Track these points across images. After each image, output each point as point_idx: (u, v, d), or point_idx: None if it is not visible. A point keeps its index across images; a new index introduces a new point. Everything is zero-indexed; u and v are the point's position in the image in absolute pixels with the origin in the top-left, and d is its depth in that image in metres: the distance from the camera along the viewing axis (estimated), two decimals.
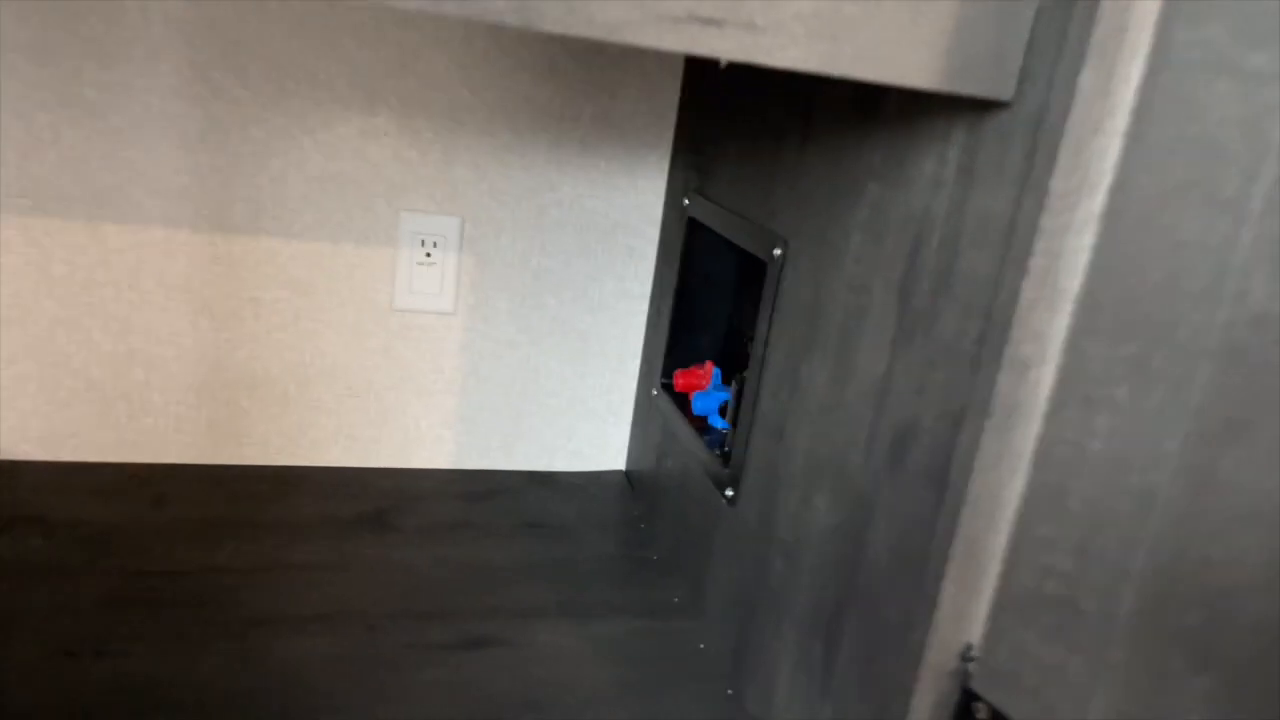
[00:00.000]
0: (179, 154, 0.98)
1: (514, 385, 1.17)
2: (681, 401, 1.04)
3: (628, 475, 1.23)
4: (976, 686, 0.52)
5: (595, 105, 1.08)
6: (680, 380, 1.04)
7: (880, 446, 0.63)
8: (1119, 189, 0.47)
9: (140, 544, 0.92)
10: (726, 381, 1.00)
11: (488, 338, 1.14)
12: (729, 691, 0.83)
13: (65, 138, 0.95)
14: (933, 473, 0.56)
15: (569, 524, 1.10)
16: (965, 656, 0.53)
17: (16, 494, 0.98)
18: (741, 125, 0.90)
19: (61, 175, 0.96)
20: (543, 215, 1.11)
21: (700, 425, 0.98)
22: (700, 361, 1.06)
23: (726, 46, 0.47)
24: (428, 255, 1.09)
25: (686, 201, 1.03)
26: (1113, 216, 0.47)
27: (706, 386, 1.01)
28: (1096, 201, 0.47)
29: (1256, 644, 0.41)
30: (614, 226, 1.14)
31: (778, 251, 0.79)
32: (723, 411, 0.97)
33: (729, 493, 0.86)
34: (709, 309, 1.07)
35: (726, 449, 0.92)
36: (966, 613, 0.52)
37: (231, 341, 1.06)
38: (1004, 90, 0.51)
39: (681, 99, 1.09)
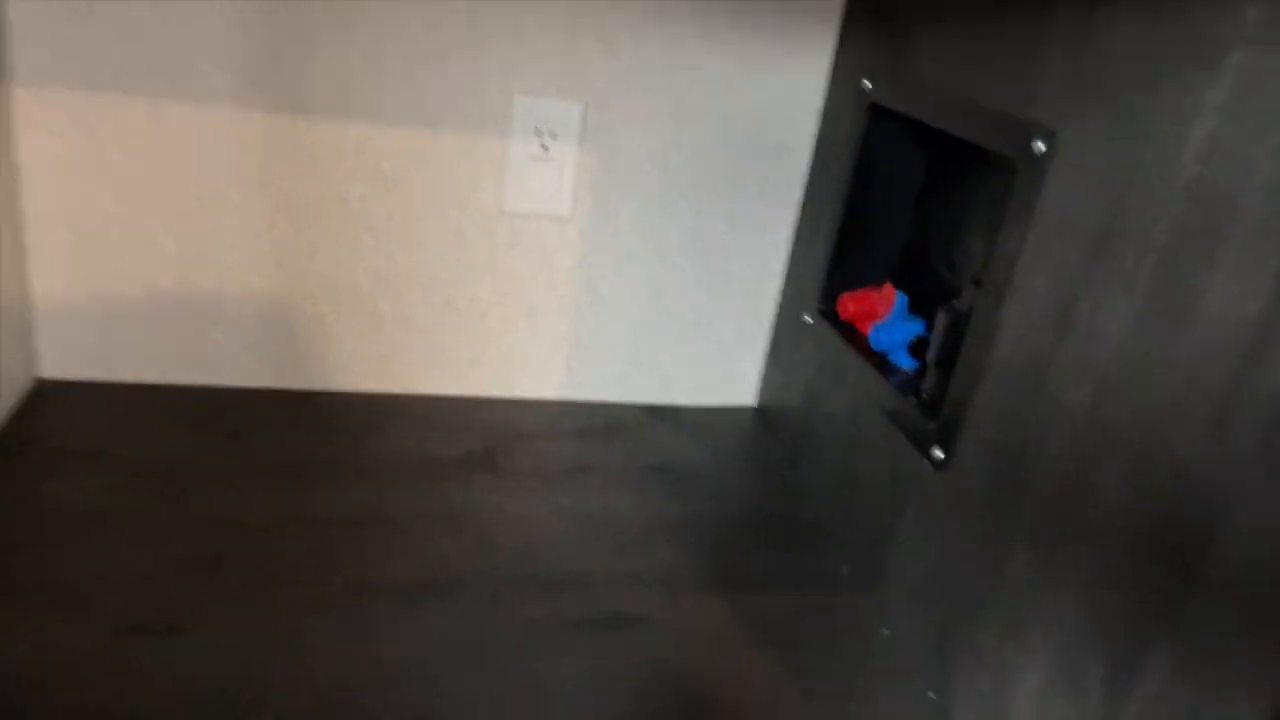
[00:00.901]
0: (253, 17, 0.80)
1: (635, 306, 1.00)
2: (848, 332, 0.87)
3: (760, 413, 1.06)
4: None
5: None
6: (849, 306, 0.86)
7: (1244, 425, 0.45)
8: None
9: (216, 486, 0.78)
10: (915, 311, 0.82)
11: (608, 250, 0.96)
12: (931, 695, 0.68)
13: None
14: None
15: (701, 469, 0.94)
16: None
17: (69, 422, 0.84)
18: None
19: (112, 40, 0.79)
20: (681, 102, 0.92)
21: (877, 363, 0.81)
22: (872, 284, 0.88)
23: None
24: (543, 148, 0.90)
25: (867, 84, 0.83)
26: None
27: (886, 315, 0.83)
28: None
29: None
30: (764, 116, 0.94)
31: (1040, 146, 0.60)
32: (914, 349, 0.79)
33: (937, 454, 0.69)
34: (884, 221, 0.88)
35: (926, 396, 0.74)
36: None
37: (314, 246, 0.90)
38: None
39: None
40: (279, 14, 0.80)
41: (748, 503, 0.89)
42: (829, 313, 0.90)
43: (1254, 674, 0.43)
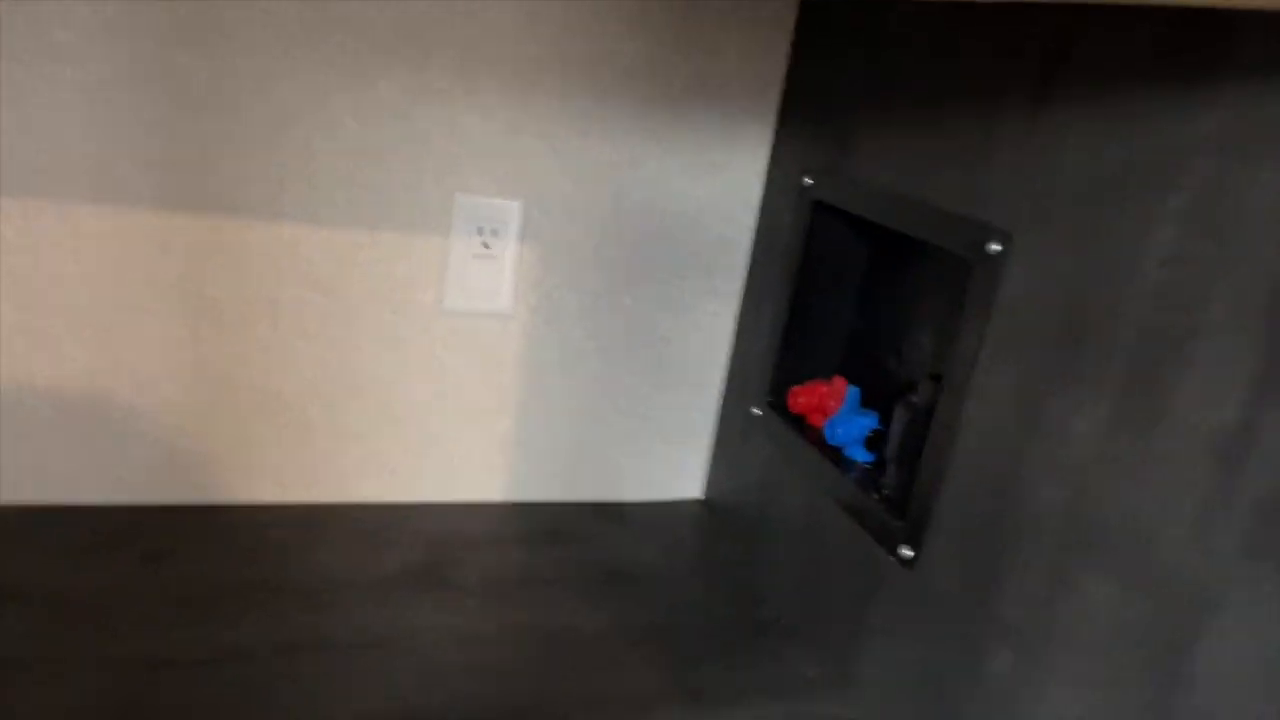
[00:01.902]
0: (176, 115, 0.76)
1: (579, 402, 0.98)
2: (798, 425, 0.86)
3: (708, 505, 1.05)
4: None
5: (691, 64, 0.88)
6: (800, 399, 0.86)
7: (1231, 525, 0.45)
8: None
9: (138, 619, 0.72)
10: (867, 404, 0.82)
11: (550, 345, 0.94)
12: None
13: (25, 89, 0.73)
14: None
15: (655, 572, 0.91)
16: None
17: None
18: (908, 84, 0.72)
19: (20, 139, 0.74)
20: (622, 198, 0.91)
21: (832, 457, 0.80)
22: (818, 376, 0.88)
23: None
24: (485, 246, 0.88)
25: (808, 181, 0.84)
26: None
27: (837, 408, 0.83)
28: None
29: None
30: (704, 211, 0.94)
31: (995, 247, 0.61)
32: (870, 443, 0.79)
33: (906, 552, 0.68)
34: (829, 314, 0.88)
35: (887, 492, 0.74)
36: None
37: (241, 355, 0.85)
38: None
39: (794, 60, 0.90)
40: (206, 112, 0.77)
41: (707, 608, 0.87)
42: (778, 405, 0.89)
43: None
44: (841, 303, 0.88)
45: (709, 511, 1.04)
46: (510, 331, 0.92)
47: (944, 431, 0.65)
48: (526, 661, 0.74)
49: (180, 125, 0.77)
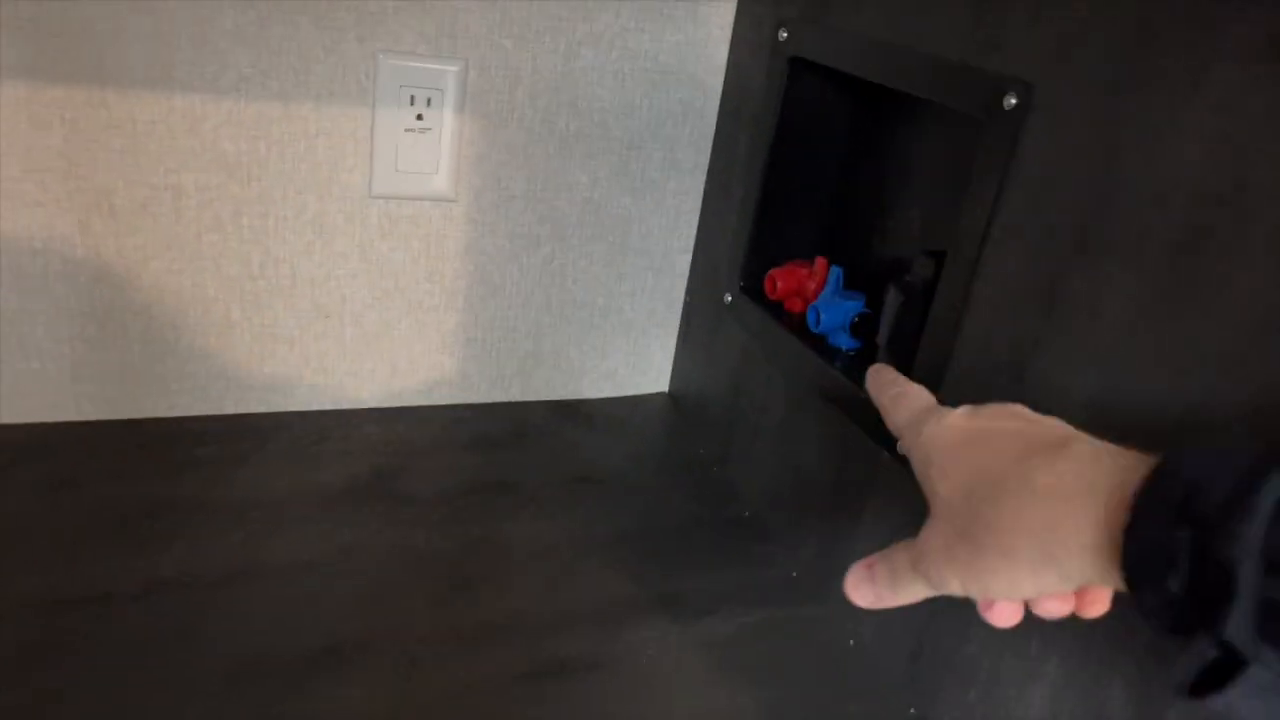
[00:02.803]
0: None
1: (533, 293, 0.89)
2: (776, 311, 0.79)
3: (675, 400, 0.98)
4: None
5: None
6: (777, 283, 0.78)
7: None
8: None
9: (51, 552, 0.64)
10: (851, 285, 0.75)
11: (499, 231, 0.85)
12: (912, 712, 0.62)
13: None
14: None
15: (622, 473, 0.85)
16: None
17: None
18: None
19: None
20: (571, 59, 0.80)
21: (815, 345, 0.73)
22: (799, 257, 0.80)
23: None
24: (419, 118, 0.77)
25: (783, 35, 0.74)
26: None
27: (819, 292, 0.75)
28: None
29: None
30: (664, 75, 0.84)
31: (1011, 101, 0.52)
32: (856, 329, 0.72)
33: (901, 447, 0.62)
34: (809, 188, 0.80)
35: None
36: None
37: (143, 249, 0.74)
38: None
39: None
40: None
41: (679, 509, 0.81)
42: (752, 290, 0.81)
43: None
44: (822, 175, 0.80)
45: (676, 407, 0.97)
46: (453, 216, 0.83)
47: (948, 314, 0.58)
48: (485, 578, 0.68)
49: None
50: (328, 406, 0.86)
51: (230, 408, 0.83)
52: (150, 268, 0.75)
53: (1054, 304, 0.51)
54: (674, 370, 0.99)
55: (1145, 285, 0.45)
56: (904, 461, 0.61)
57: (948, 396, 0.58)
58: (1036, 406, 0.52)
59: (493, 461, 0.83)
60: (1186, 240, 0.43)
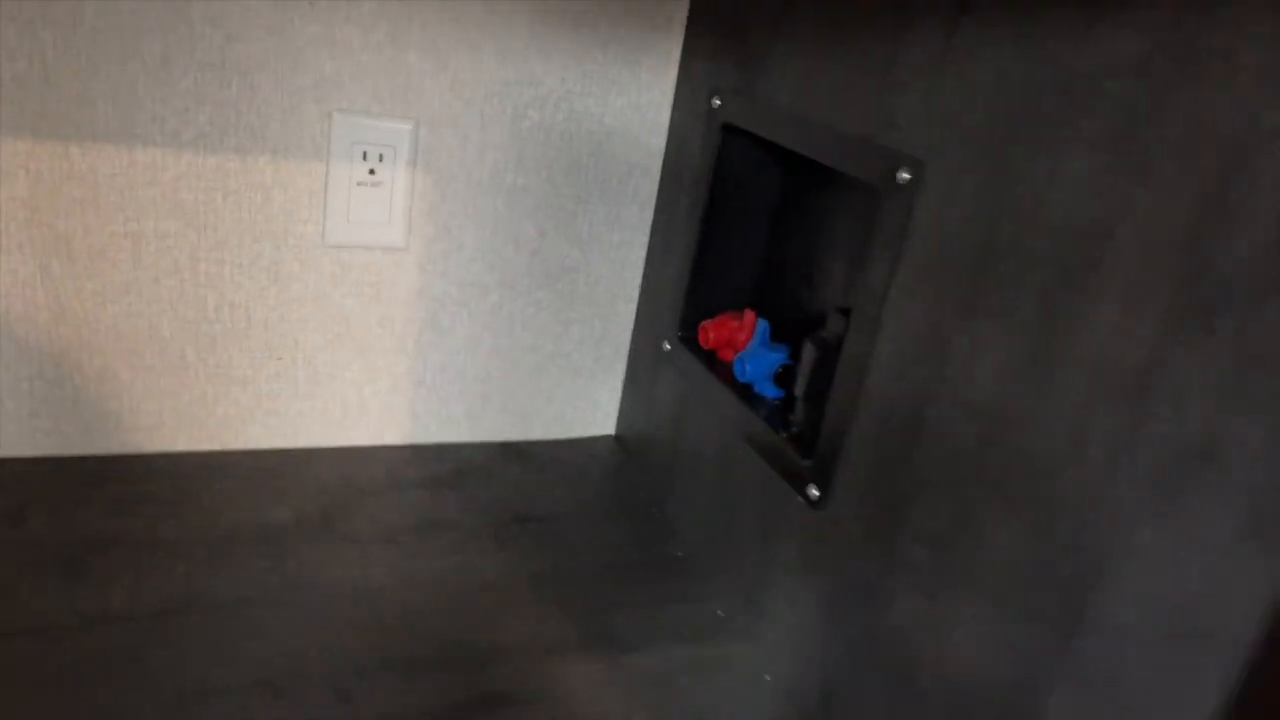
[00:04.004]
0: (9, 26, 0.67)
1: (482, 338, 0.93)
2: (709, 360, 0.83)
3: (620, 442, 1.02)
4: None
5: None
6: (710, 333, 0.83)
7: (1135, 468, 0.43)
8: None
9: (1, 584, 0.66)
10: (778, 338, 0.79)
11: (449, 279, 0.89)
12: None
13: None
14: (1259, 522, 0.38)
15: (563, 513, 0.88)
16: None
17: None
18: (819, 2, 0.67)
19: None
20: (519, 119, 0.85)
21: (742, 393, 0.78)
22: (731, 309, 0.84)
23: None
24: (371, 172, 0.82)
25: (717, 103, 0.80)
26: None
27: (746, 343, 0.80)
28: None
29: None
30: (609, 135, 0.89)
31: (905, 176, 0.57)
32: (779, 379, 0.76)
33: (813, 492, 0.66)
34: (741, 243, 0.85)
35: (796, 430, 0.71)
36: None
37: (101, 294, 0.77)
38: None
39: None
40: (46, 28, 0.68)
41: (615, 548, 0.84)
42: (688, 339, 0.86)
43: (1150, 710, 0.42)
44: (753, 232, 0.84)
45: (622, 449, 1.01)
46: (404, 265, 0.87)
47: (852, 368, 0.62)
48: (426, 613, 0.71)
49: (16, 37, 0.68)
50: (278, 445, 0.89)
51: (182, 445, 0.85)
52: (108, 310, 0.78)
53: (945, 360, 0.55)
54: (620, 414, 1.02)
55: (1017, 346, 0.50)
56: (814, 505, 0.66)
57: (856, 445, 0.63)
58: (924, 456, 0.57)
59: (438, 500, 0.86)
60: (1049, 306, 0.48)
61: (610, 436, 1.03)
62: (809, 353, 0.69)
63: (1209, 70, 0.40)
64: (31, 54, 0.69)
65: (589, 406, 1.01)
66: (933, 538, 0.56)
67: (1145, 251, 0.43)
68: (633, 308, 0.98)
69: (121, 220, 0.76)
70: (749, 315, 0.81)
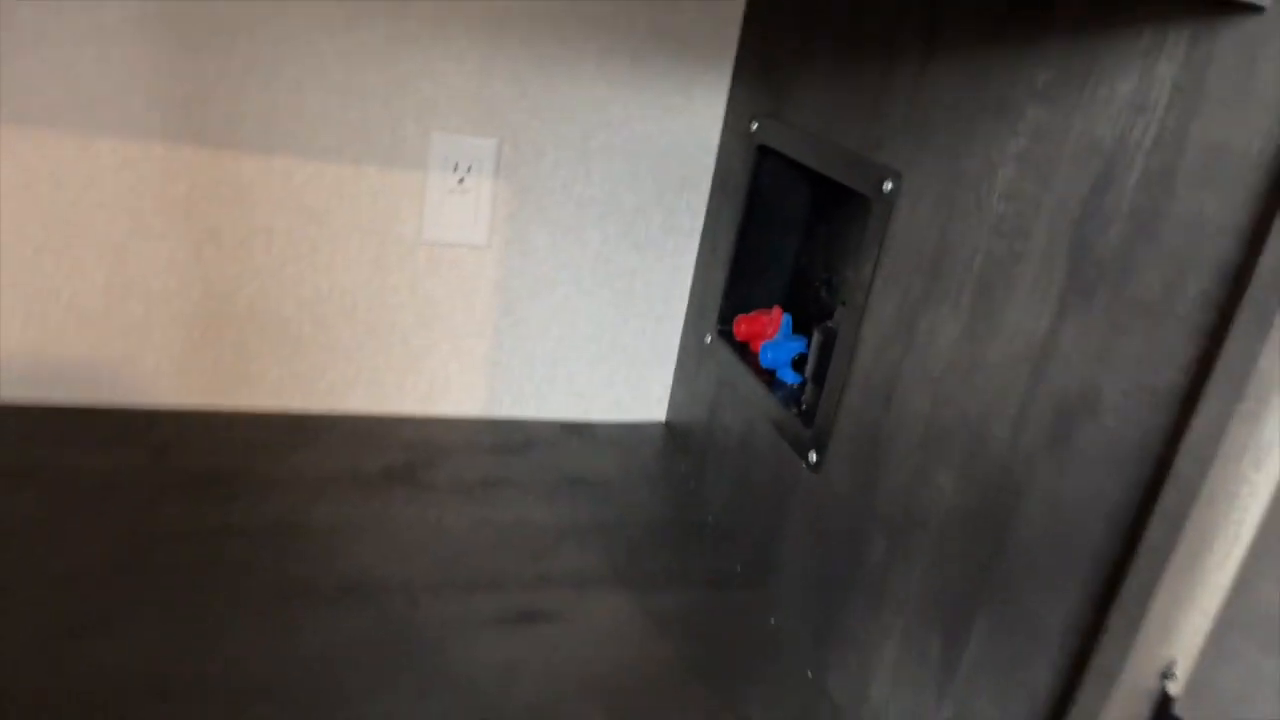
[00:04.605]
0: (182, 57, 0.85)
1: (550, 328, 1.07)
2: (742, 351, 0.95)
3: (669, 428, 1.14)
4: (1181, 710, 0.44)
5: (651, 15, 0.95)
6: (742, 327, 0.94)
7: (1037, 420, 0.53)
8: None
9: (144, 500, 0.83)
10: (799, 330, 0.90)
11: (524, 275, 1.03)
12: (809, 674, 0.75)
13: (50, 34, 0.82)
14: (1124, 455, 0.47)
15: (612, 480, 1.01)
16: (1166, 674, 0.44)
17: (5, 442, 0.88)
18: (831, 40, 0.79)
19: (47, 80, 0.83)
20: (588, 139, 0.99)
21: (766, 379, 0.89)
22: (764, 306, 0.96)
23: None
24: (460, 181, 0.97)
25: (754, 126, 0.92)
26: None
27: (774, 335, 0.91)
28: None
29: None
30: (666, 153, 1.02)
31: (888, 186, 0.68)
32: (797, 365, 0.87)
33: (812, 457, 0.77)
34: (774, 249, 0.96)
35: (805, 407, 0.82)
36: (1173, 626, 0.43)
37: (240, 275, 0.95)
38: None
39: (748, 11, 0.97)
40: (208, 54, 0.86)
41: (654, 511, 0.96)
42: (726, 333, 0.98)
43: (1048, 625, 0.52)
44: (785, 239, 0.96)
45: (670, 433, 1.13)
46: (486, 261, 1.01)
47: (844, 350, 0.73)
48: (481, 547, 0.85)
49: (183, 65, 0.86)
50: (374, 411, 1.05)
51: (297, 405, 1.02)
52: (244, 290, 0.95)
53: (911, 340, 0.66)
54: (670, 402, 1.15)
55: (960, 325, 0.60)
56: (813, 468, 0.76)
57: (845, 416, 0.73)
58: (894, 421, 0.68)
59: (505, 463, 1.00)
60: (983, 291, 0.58)
61: (660, 423, 1.15)
62: (816, 340, 0.80)
63: (1095, 95, 0.51)
64: (196, 79, 0.86)
65: (642, 394, 1.14)
66: (897, 491, 0.66)
67: (1049, 243, 0.53)
68: (684, 306, 1.10)
69: (260, 216, 0.93)
70: (776, 311, 0.92)
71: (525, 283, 1.04)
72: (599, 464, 1.04)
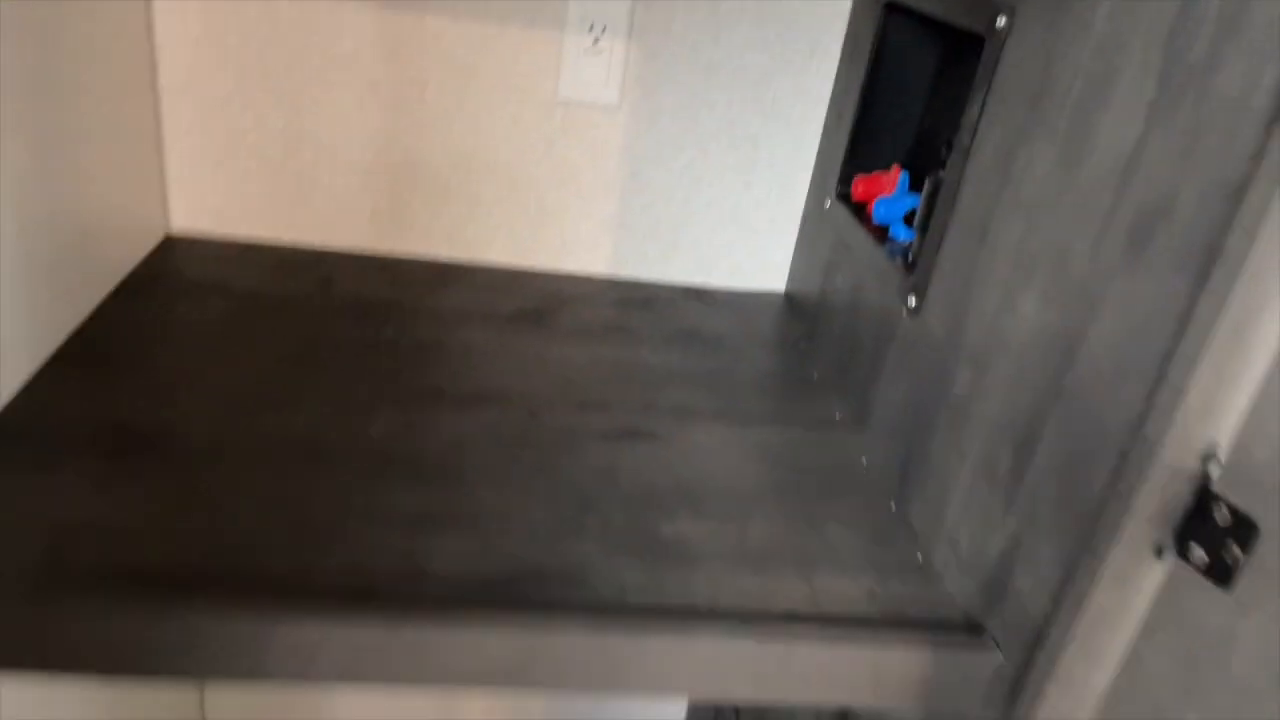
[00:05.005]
0: None
1: (676, 192, 1.12)
2: (859, 212, 0.97)
3: (788, 298, 1.17)
4: (1219, 488, 0.45)
5: None
6: (860, 187, 0.96)
7: (1117, 234, 0.54)
8: None
9: (311, 318, 0.95)
10: (915, 187, 0.91)
11: (651, 137, 1.08)
12: (892, 505, 0.79)
13: None
14: (1191, 253, 0.48)
15: (725, 336, 1.06)
16: (1207, 456, 0.46)
17: (195, 264, 1.02)
18: None
19: None
20: (719, 2, 1.02)
21: (879, 236, 0.91)
22: (885, 168, 0.97)
23: None
24: (595, 42, 1.02)
25: None
26: None
27: (892, 192, 0.92)
28: None
29: None
30: (796, 17, 1.03)
31: (1002, 21, 0.69)
32: (909, 219, 0.89)
33: (911, 302, 0.79)
34: (899, 111, 0.97)
35: (911, 258, 0.84)
36: (1216, 406, 0.45)
37: (397, 126, 1.04)
38: None
39: None
40: None
41: (761, 365, 1.01)
42: (845, 195, 1.00)
43: (1108, 423, 0.54)
44: (910, 101, 0.96)
45: (789, 303, 1.17)
46: (616, 122, 1.07)
47: (949, 192, 0.75)
48: (597, 378, 0.92)
49: None
50: (510, 263, 1.13)
51: (443, 254, 1.12)
52: (400, 140, 1.05)
53: (1008, 175, 0.67)
54: (791, 272, 1.18)
55: (1055, 153, 0.61)
56: (912, 313, 0.79)
57: (944, 259, 0.75)
58: (988, 253, 0.69)
59: (625, 315, 1.07)
60: (1079, 115, 0.59)
61: (780, 293, 1.19)
62: (926, 188, 0.81)
63: None
64: None
65: (764, 263, 1.17)
66: (983, 322, 0.68)
67: (1144, 54, 0.53)
68: (808, 176, 1.12)
69: (414, 70, 1.01)
70: (895, 170, 0.94)
71: (652, 145, 1.09)
72: (714, 323, 1.09)
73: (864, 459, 0.85)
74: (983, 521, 0.66)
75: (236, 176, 1.05)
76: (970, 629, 0.65)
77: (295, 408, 0.79)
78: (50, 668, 0.55)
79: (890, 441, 0.82)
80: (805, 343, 1.06)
